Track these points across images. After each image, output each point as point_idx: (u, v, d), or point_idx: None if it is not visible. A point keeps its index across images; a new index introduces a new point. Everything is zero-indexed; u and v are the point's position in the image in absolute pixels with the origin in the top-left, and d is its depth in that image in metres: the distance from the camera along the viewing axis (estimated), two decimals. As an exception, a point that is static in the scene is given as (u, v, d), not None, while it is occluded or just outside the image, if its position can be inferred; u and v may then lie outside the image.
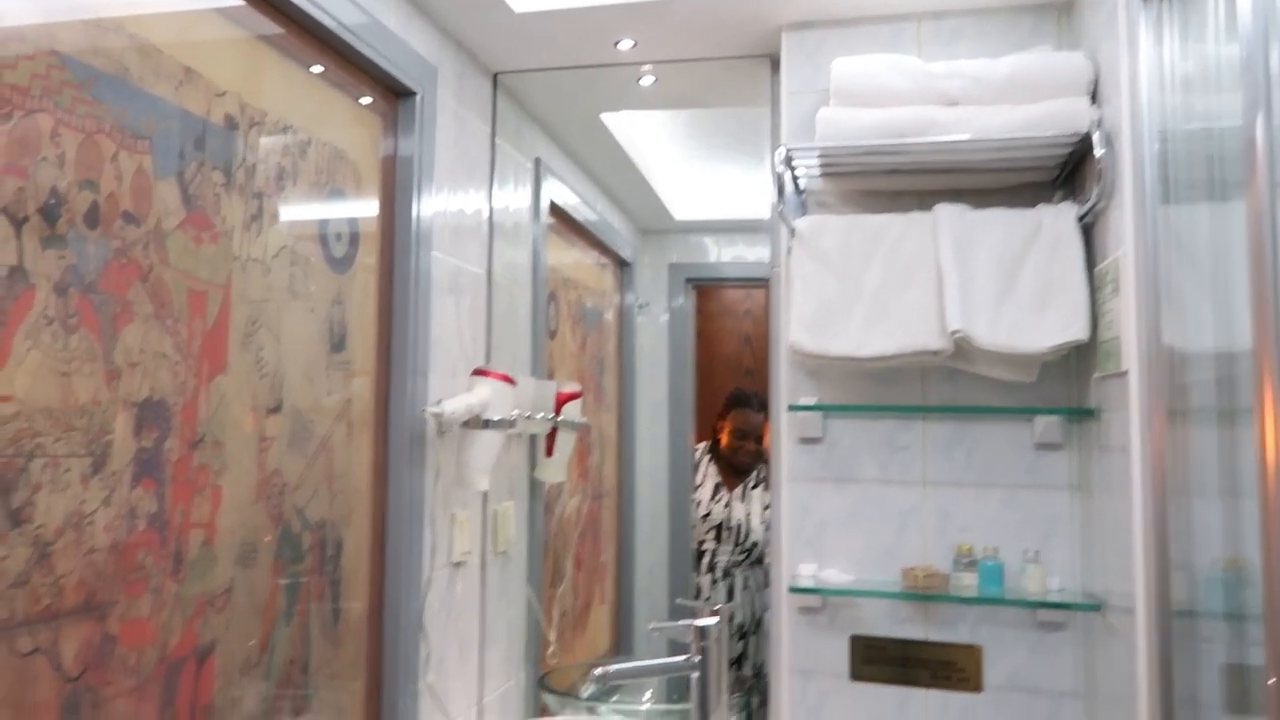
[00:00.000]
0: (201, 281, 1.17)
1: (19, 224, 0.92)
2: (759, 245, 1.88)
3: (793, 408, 1.66)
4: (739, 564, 2.37)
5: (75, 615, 0.98)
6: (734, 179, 2.32)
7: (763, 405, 2.05)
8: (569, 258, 2.29)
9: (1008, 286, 1.54)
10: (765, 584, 2.28)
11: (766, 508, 2.29)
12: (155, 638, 1.08)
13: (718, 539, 2.39)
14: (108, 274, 1.03)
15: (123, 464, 1.04)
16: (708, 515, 2.40)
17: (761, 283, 1.82)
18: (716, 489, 2.42)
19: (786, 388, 1.68)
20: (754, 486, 2.40)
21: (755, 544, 2.37)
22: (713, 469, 2.44)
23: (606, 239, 2.41)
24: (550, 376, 2.08)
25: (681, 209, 2.44)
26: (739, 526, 2.38)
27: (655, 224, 2.49)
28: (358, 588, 1.49)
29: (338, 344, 1.45)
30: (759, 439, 2.36)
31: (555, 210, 2.18)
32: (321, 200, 1.42)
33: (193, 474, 1.15)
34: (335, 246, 1.45)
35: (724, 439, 2.44)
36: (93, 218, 1.01)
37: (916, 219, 1.60)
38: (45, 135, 0.95)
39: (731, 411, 2.44)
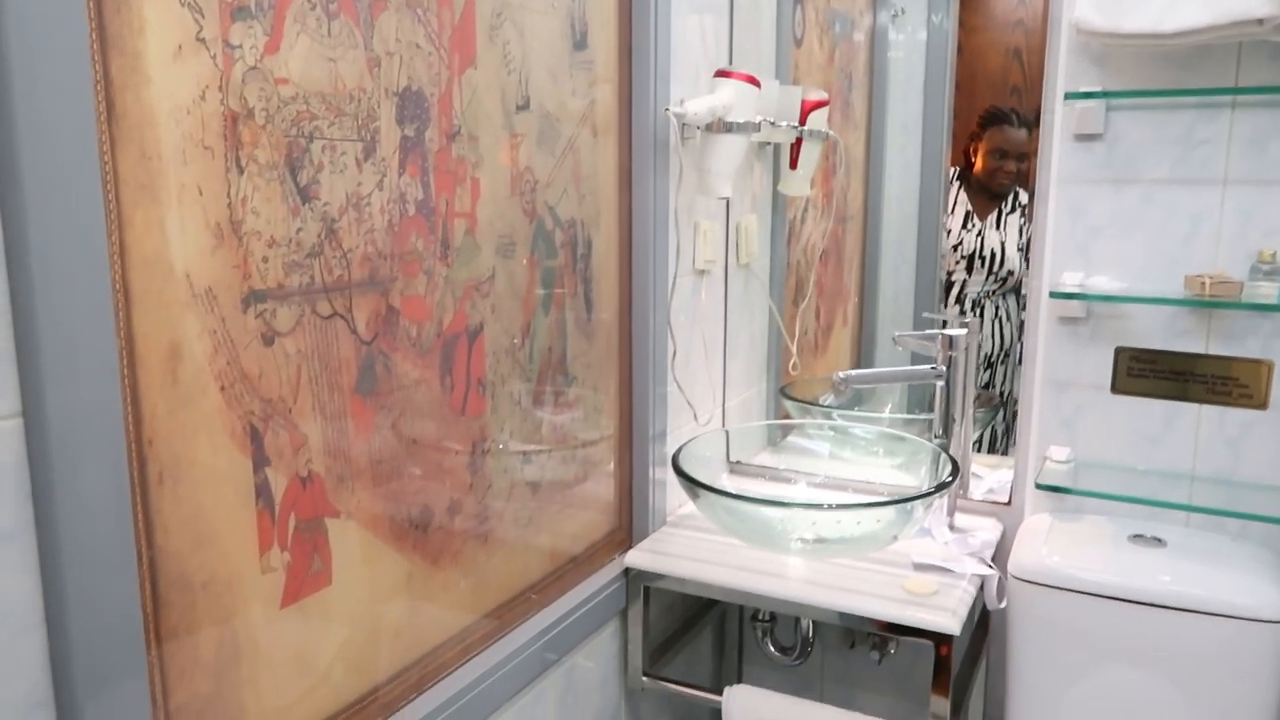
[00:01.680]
0: (445, -30, 1.16)
1: (272, -96, 0.94)
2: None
3: (1070, 96, 1.47)
4: (990, 294, 2.26)
5: (362, 287, 1.08)
6: None
7: (1024, 122, 1.85)
8: (817, -43, 2.09)
9: (1370, -67, 1.24)
10: (1020, 311, 2.17)
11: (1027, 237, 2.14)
12: (431, 314, 1.19)
13: (969, 270, 2.27)
14: (359, -41, 1.04)
15: (390, 151, 1.10)
16: (958, 245, 2.28)
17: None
18: (967, 217, 2.27)
19: (1064, 76, 1.49)
20: (1010, 212, 2.24)
21: (1010, 273, 2.23)
22: (963, 195, 2.28)
23: (859, -68, 2.17)
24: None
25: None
26: (992, 255, 2.25)
27: (914, -87, 2.20)
28: (608, 286, 1.56)
29: (579, 42, 1.43)
30: (1021, 157, 2.16)
31: (801, -102, 1.97)
32: (556, -117, 1.35)
33: (453, 165, 1.20)
34: (572, -64, 1.39)
35: (979, 161, 2.24)
36: (338, -102, 1.01)
37: None
38: None
39: (988, 130, 2.23)
